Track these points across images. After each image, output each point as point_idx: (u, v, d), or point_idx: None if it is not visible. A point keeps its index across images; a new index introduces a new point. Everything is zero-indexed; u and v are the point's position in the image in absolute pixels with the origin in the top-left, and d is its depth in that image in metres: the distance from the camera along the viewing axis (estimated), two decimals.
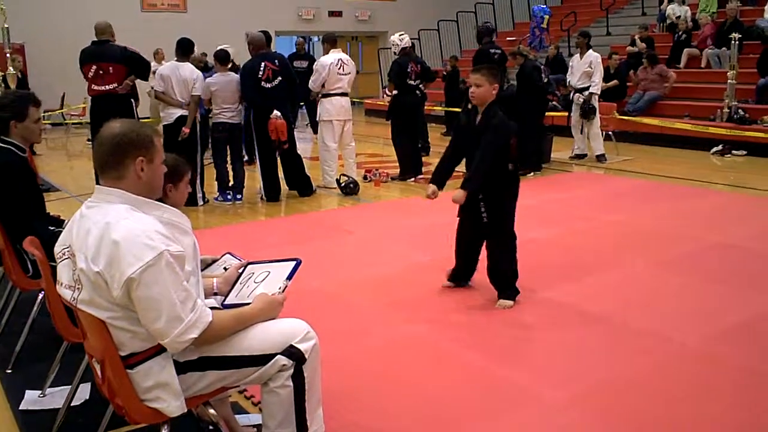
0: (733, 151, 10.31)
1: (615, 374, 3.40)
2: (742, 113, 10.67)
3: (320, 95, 8.28)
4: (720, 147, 10.45)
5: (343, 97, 8.26)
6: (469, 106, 4.36)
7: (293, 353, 2.28)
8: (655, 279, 4.84)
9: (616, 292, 4.57)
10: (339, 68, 8.12)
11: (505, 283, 4.37)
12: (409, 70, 8.69)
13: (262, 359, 2.27)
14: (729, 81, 10.79)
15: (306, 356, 2.30)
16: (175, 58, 7.48)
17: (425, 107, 10.07)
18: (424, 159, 9.40)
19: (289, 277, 2.48)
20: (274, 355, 2.27)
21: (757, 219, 6.42)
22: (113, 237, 2.05)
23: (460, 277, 4.65)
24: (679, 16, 13.74)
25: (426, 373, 3.45)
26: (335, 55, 8.22)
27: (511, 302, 4.34)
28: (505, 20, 19.05)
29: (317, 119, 8.53)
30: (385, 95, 8.68)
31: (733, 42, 10.92)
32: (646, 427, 2.90)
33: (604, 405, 3.10)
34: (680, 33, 13.33)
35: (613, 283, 4.78)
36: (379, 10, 21.01)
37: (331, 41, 8.43)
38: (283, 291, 2.44)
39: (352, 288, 4.75)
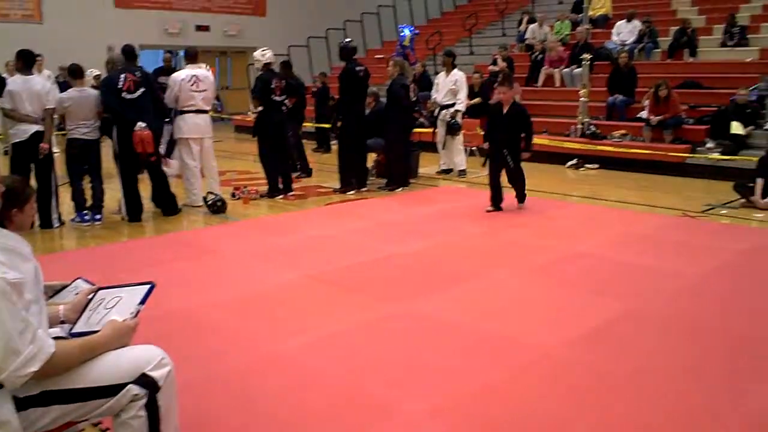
0: (587, 165, 10.96)
1: (475, 382, 3.49)
2: (594, 129, 11.36)
3: (175, 112, 8.05)
4: (575, 161, 11.09)
5: (198, 114, 8.03)
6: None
7: (146, 382, 2.20)
8: (516, 288, 5.04)
9: (478, 302, 4.71)
10: (192, 84, 7.89)
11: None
12: (273, 86, 8.58)
13: (112, 390, 2.17)
14: (581, 99, 11.46)
15: (160, 384, 2.22)
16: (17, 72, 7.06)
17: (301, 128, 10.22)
18: (305, 180, 9.33)
19: (142, 302, 2.39)
20: (126, 384, 2.18)
21: (609, 228, 6.83)
22: None
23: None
24: (536, 38, 14.48)
25: (288, 393, 3.40)
26: (189, 71, 8.00)
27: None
28: (373, 38, 19.39)
29: (173, 137, 8.30)
30: (250, 112, 8.52)
31: (584, 62, 11.61)
32: None
33: (466, 414, 3.17)
34: (537, 53, 14.06)
35: (476, 293, 4.92)
36: (249, 25, 20.77)
37: (189, 56, 8.24)
38: (136, 316, 2.35)
39: (215, 309, 4.61)
